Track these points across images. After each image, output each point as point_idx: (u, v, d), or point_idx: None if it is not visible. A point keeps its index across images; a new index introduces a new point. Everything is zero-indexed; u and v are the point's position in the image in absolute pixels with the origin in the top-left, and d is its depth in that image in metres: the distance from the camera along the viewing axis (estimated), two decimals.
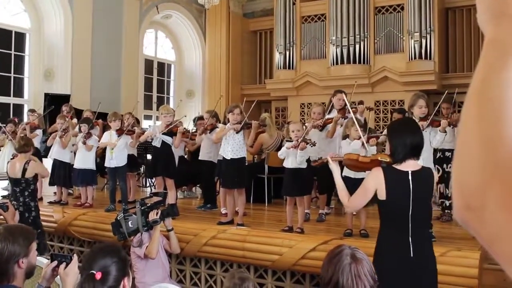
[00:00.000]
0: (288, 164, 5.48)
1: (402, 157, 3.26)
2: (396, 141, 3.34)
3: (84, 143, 7.13)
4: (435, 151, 5.87)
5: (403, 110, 7.87)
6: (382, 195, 3.26)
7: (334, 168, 3.62)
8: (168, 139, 6.41)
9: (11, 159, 6.63)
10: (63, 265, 2.61)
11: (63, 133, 7.56)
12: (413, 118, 5.21)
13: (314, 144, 5.47)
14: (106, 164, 7.04)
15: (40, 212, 6.90)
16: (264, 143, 7.61)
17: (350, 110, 5.21)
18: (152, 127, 6.83)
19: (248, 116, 6.06)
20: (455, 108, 6.46)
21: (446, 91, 6.33)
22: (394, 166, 3.31)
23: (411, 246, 3.21)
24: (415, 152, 3.29)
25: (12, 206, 5.49)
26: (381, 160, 3.58)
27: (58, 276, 2.67)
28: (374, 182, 3.30)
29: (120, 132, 6.92)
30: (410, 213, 3.22)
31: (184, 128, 6.82)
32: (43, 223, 6.80)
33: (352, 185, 5.25)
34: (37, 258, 2.80)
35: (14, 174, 6.17)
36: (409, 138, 3.27)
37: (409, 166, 3.27)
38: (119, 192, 7.15)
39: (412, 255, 3.21)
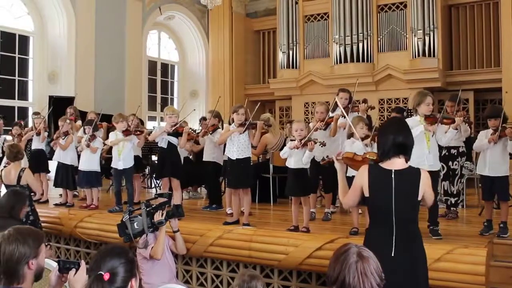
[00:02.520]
0: (291, 164, 5.48)
1: (386, 155, 3.27)
2: (381, 139, 3.36)
3: (88, 145, 7.13)
4: (440, 148, 5.83)
5: (401, 109, 7.86)
6: (366, 192, 3.30)
7: (338, 166, 3.73)
8: (174, 140, 6.43)
9: (4, 166, 6.65)
10: (72, 272, 2.62)
11: (62, 136, 7.56)
12: (417, 116, 5.18)
13: (324, 144, 5.46)
14: (113, 165, 7.02)
15: (46, 214, 6.96)
16: (268, 143, 7.61)
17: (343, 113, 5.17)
18: (159, 127, 6.84)
19: (252, 116, 6.06)
20: (460, 106, 6.44)
21: (459, 93, 6.30)
22: (380, 164, 3.33)
23: (393, 244, 3.20)
24: (400, 150, 3.27)
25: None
26: (369, 158, 3.61)
27: (67, 283, 2.68)
28: (360, 180, 3.33)
29: (127, 133, 6.92)
30: (393, 212, 3.21)
31: (190, 128, 6.83)
32: (49, 225, 6.85)
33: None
34: (45, 260, 2.81)
35: (9, 181, 6.29)
36: (392, 136, 3.26)
37: (394, 164, 3.26)
38: (124, 193, 7.17)
39: (393, 254, 3.19)
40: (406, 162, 3.30)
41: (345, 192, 3.53)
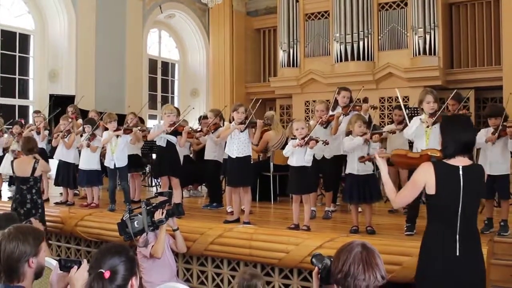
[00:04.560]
0: (293, 162, 5.48)
1: (453, 153, 3.22)
2: (448, 136, 3.29)
3: (88, 145, 7.12)
4: None
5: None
6: (431, 190, 3.20)
7: (381, 165, 3.60)
8: (172, 139, 6.42)
9: (15, 158, 6.65)
10: (74, 269, 2.61)
11: (65, 134, 7.57)
12: (422, 114, 5.18)
13: (327, 143, 5.46)
14: (107, 164, 7.01)
15: (47, 213, 6.97)
16: (270, 141, 7.60)
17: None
18: (157, 126, 6.82)
19: (253, 115, 6.06)
20: (461, 104, 6.43)
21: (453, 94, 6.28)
22: (445, 161, 3.26)
23: (457, 243, 3.15)
24: (466, 149, 3.23)
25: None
26: (431, 155, 3.51)
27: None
28: (424, 177, 3.23)
29: (118, 131, 6.90)
30: (459, 210, 3.16)
31: (190, 128, 6.81)
32: (50, 224, 6.86)
33: (357, 181, 5.28)
34: (45, 259, 2.80)
35: (22, 173, 6.30)
36: (461, 135, 3.23)
37: (459, 161, 3.20)
38: (120, 192, 7.16)
39: (458, 254, 3.14)
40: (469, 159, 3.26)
41: (393, 190, 3.43)
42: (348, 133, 5.48)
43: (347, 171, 5.41)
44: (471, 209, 3.23)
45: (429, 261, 3.23)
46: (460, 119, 3.70)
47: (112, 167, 6.91)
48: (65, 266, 2.66)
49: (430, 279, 3.20)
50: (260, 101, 6.45)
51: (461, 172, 3.17)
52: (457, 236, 3.16)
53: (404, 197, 3.43)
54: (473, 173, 3.21)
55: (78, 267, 2.62)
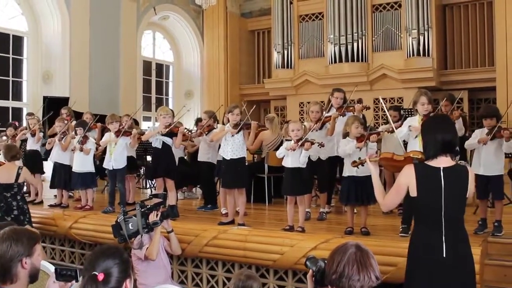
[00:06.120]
0: (287, 163, 5.47)
1: (433, 154, 3.21)
2: (428, 137, 3.29)
3: (81, 149, 7.09)
4: None
5: (398, 107, 7.87)
6: (413, 192, 3.20)
7: (372, 168, 3.64)
8: (168, 140, 6.41)
9: None
10: (68, 285, 2.59)
11: (62, 136, 7.55)
12: (417, 115, 5.19)
13: (322, 145, 5.45)
14: (105, 165, 7.00)
15: (41, 215, 6.97)
16: (265, 140, 7.57)
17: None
18: (153, 127, 6.81)
19: (248, 117, 6.06)
20: (454, 105, 6.46)
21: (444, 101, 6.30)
22: (426, 162, 3.25)
23: (444, 245, 3.13)
24: (447, 149, 3.21)
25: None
26: (413, 157, 3.53)
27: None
28: (406, 179, 3.24)
29: (118, 133, 6.90)
30: (442, 211, 3.15)
31: (185, 129, 6.80)
32: (44, 226, 6.85)
33: (354, 184, 5.27)
34: (41, 263, 2.78)
35: (6, 180, 6.30)
36: (440, 135, 3.20)
37: (441, 162, 3.19)
38: (117, 194, 7.15)
39: (444, 255, 3.12)
40: (452, 159, 3.25)
41: (382, 193, 3.44)
42: (345, 134, 5.47)
43: (346, 173, 5.37)
44: (455, 211, 3.22)
45: (417, 263, 3.22)
46: (440, 119, 3.69)
47: (111, 168, 6.89)
48: (60, 275, 2.63)
49: (418, 281, 3.19)
50: (254, 106, 6.45)
51: (442, 173, 3.16)
52: (443, 237, 3.14)
53: (391, 201, 3.44)
54: (455, 174, 3.20)
55: (75, 276, 2.58)
